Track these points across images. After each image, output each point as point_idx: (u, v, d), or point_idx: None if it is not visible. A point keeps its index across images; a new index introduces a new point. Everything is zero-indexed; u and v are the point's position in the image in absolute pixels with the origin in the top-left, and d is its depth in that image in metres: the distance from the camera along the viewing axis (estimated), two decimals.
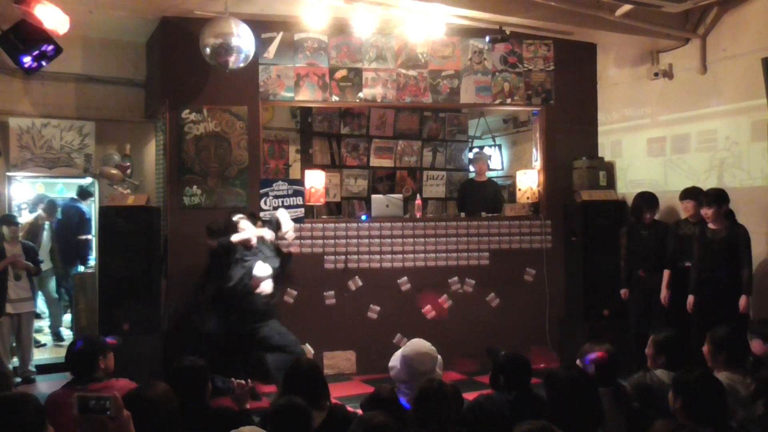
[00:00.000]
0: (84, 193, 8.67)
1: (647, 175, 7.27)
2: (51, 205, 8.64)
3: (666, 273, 6.31)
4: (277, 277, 6.16)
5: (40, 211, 8.58)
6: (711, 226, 5.86)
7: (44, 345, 8.19)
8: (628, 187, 7.48)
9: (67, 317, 8.81)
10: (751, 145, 6.22)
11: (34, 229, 8.32)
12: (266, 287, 5.97)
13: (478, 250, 7.41)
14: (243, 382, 3.53)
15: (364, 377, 6.76)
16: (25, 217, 8.97)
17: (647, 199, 6.60)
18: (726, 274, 5.74)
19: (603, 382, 3.41)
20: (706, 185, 6.33)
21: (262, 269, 5.95)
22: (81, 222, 8.62)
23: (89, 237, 8.56)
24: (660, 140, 7.15)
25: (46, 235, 8.53)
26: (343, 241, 7.12)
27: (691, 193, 6.23)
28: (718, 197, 5.79)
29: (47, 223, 8.52)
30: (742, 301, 5.63)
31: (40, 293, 8.40)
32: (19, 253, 6.94)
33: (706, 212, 5.80)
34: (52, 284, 8.65)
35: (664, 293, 6.26)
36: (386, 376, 4.48)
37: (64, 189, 9.73)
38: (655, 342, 4.08)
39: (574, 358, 3.80)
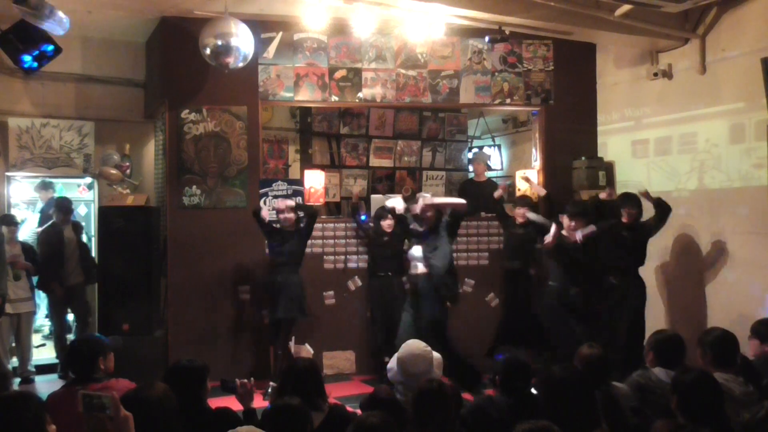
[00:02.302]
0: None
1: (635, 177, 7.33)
2: (64, 203, 7.32)
3: None
4: None
5: (55, 216, 7.21)
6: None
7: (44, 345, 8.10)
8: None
9: None
10: (729, 147, 6.27)
11: (50, 237, 7.13)
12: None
13: (478, 250, 7.41)
14: (246, 381, 3.53)
15: (364, 377, 6.76)
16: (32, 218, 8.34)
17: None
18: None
19: (594, 383, 3.40)
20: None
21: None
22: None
23: None
24: (664, 140, 7.16)
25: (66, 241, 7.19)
26: (342, 241, 7.12)
27: (522, 201, 7.03)
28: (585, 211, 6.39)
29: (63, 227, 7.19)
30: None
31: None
32: (19, 253, 6.93)
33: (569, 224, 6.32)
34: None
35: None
36: (386, 377, 4.48)
37: (63, 189, 9.69)
38: (648, 342, 4.09)
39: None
